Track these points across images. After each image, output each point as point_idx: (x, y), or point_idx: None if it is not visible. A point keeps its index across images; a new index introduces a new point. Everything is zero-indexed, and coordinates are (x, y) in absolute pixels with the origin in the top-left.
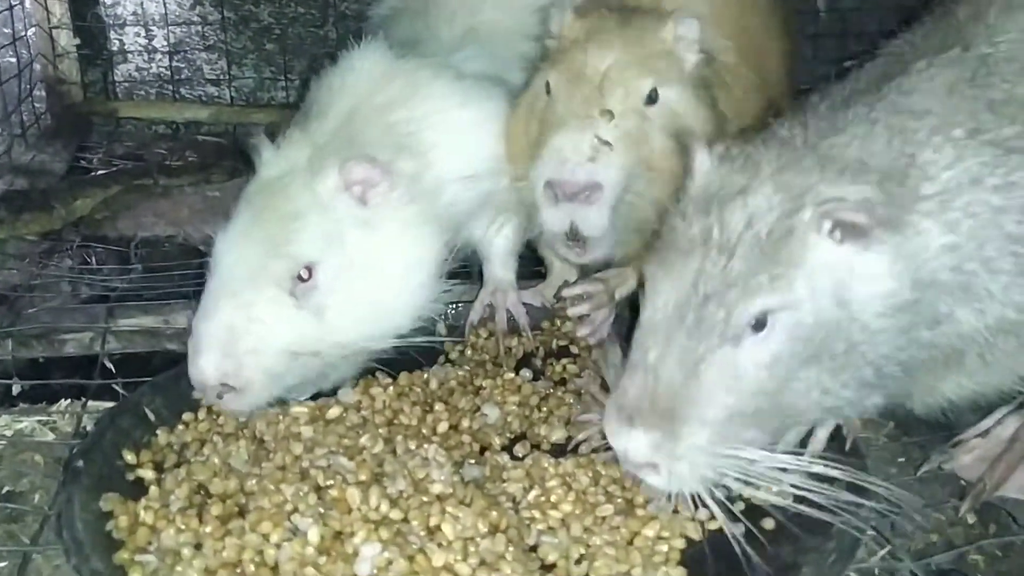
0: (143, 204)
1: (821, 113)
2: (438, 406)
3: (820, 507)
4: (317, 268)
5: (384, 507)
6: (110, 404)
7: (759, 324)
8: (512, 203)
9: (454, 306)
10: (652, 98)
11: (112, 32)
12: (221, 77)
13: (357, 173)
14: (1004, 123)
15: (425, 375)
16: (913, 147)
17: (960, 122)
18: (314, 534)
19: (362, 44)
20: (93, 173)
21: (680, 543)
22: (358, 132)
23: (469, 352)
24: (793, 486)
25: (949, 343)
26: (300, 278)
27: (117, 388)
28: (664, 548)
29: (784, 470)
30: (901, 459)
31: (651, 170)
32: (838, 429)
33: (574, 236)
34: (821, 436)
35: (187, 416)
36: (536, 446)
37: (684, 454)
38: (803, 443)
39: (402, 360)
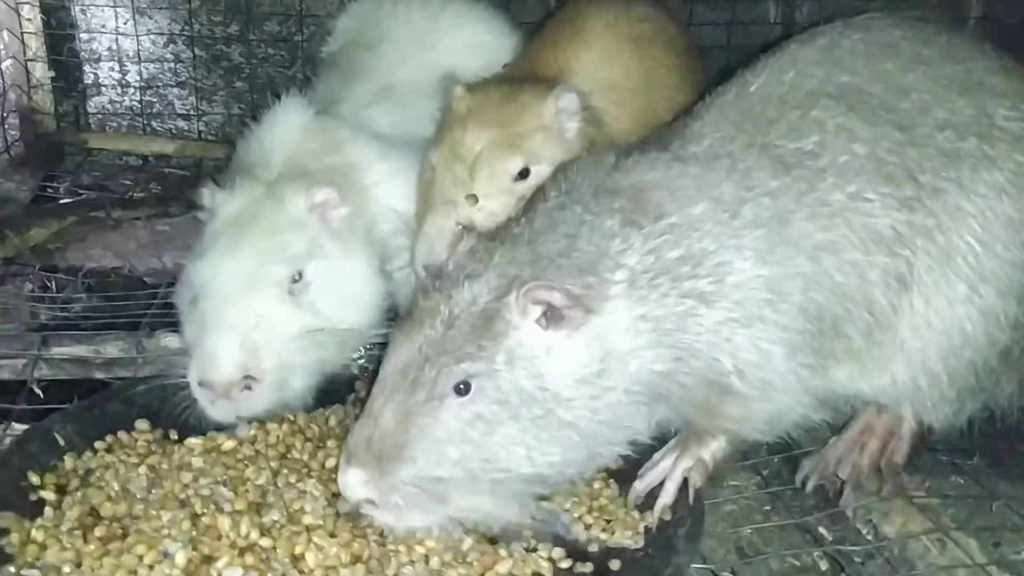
0: (93, 236)
1: (546, 210)
2: (331, 443)
3: None
4: (306, 270)
5: (254, 535)
6: None
7: (465, 387)
8: None
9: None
10: (524, 174)
11: (87, 66)
12: (191, 112)
13: (320, 196)
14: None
15: (327, 413)
16: (607, 241)
17: (648, 212)
18: (181, 558)
19: (281, 102)
20: (58, 202)
21: None
22: (305, 170)
23: None
24: None
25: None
26: (294, 279)
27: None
28: None
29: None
30: (767, 507)
31: None
32: None
33: None
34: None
35: (99, 444)
36: None
37: (394, 487)
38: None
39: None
